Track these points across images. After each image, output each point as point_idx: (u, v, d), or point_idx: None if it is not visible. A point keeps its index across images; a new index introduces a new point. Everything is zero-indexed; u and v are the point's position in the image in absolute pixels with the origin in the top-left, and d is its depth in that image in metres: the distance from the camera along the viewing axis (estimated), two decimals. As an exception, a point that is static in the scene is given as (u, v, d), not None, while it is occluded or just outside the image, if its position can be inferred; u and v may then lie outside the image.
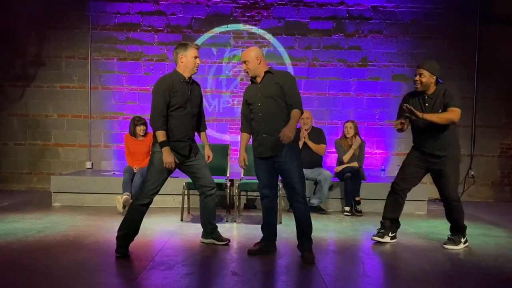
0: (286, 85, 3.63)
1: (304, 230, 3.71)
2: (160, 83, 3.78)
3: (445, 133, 3.95)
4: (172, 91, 3.74)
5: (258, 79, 3.74)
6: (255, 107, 3.71)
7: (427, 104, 3.99)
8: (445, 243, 4.18)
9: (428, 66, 3.97)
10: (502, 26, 7.12)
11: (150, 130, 6.10)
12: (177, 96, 3.76)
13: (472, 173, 7.14)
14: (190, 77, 3.86)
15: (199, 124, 4.07)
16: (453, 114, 3.85)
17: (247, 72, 3.76)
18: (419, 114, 3.80)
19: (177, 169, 3.91)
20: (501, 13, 7.14)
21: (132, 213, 3.72)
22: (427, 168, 4.14)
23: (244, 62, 3.72)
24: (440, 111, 3.92)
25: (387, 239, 4.25)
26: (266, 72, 3.72)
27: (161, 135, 3.70)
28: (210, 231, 4.12)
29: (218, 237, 4.11)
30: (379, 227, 4.34)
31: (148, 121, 6.06)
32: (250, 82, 3.86)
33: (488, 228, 5.04)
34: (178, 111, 3.78)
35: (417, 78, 3.98)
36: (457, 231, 4.16)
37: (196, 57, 3.82)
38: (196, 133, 4.04)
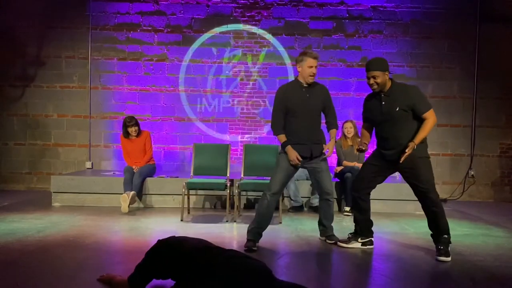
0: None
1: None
2: (278, 91, 4.11)
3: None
4: (287, 97, 4.00)
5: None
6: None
7: (384, 103, 3.86)
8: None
9: (377, 66, 3.80)
10: (502, 26, 7.12)
11: (143, 128, 6.11)
12: (292, 101, 3.99)
13: (472, 173, 7.14)
14: (308, 83, 4.03)
15: (331, 125, 4.25)
16: (432, 119, 3.73)
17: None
18: (409, 148, 3.63)
19: None
20: (501, 13, 7.13)
21: (259, 206, 4.00)
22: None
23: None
24: (397, 109, 3.75)
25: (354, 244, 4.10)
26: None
27: (281, 138, 4.04)
28: (321, 230, 4.31)
29: (329, 237, 4.24)
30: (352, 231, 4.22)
31: (139, 120, 6.11)
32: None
33: (488, 228, 5.04)
34: (294, 116, 4.00)
35: (372, 81, 3.82)
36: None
37: (310, 67, 3.96)
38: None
